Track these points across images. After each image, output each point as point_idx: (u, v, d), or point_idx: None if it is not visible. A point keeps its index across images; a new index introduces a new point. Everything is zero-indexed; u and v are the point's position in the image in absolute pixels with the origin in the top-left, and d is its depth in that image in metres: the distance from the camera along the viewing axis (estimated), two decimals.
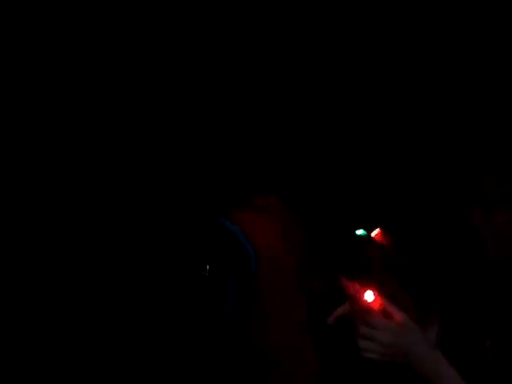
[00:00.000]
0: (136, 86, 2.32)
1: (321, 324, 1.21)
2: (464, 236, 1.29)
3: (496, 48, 2.30)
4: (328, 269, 1.99)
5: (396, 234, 2.04)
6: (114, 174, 2.25)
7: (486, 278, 1.30)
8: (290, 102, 2.36)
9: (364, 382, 1.86)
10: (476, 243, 1.26)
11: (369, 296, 1.07)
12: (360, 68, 2.47)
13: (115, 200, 2.22)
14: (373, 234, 2.00)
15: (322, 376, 1.87)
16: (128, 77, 2.32)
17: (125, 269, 1.94)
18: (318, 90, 2.44)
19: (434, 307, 1.52)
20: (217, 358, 1.72)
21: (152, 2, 2.36)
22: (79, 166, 2.26)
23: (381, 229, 2.01)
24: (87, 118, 2.30)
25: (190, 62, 2.37)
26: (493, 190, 1.22)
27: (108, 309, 1.98)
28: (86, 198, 2.23)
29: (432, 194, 2.33)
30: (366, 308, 1.06)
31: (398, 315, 1.06)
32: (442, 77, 2.43)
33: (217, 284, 1.70)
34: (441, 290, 1.54)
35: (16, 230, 2.16)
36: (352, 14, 2.43)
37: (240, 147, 2.01)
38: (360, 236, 1.98)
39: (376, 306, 1.06)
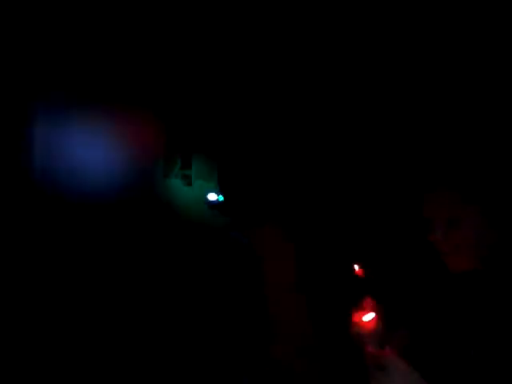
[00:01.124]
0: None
1: None
2: (428, 252, 1.32)
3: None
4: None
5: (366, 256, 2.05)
6: None
7: (458, 290, 1.31)
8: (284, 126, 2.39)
9: None
10: (439, 259, 1.28)
11: (368, 317, 1.20)
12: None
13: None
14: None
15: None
16: (129, 78, 2.34)
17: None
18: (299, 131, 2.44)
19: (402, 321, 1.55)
20: None
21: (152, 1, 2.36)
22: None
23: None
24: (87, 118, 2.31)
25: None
26: (454, 205, 1.24)
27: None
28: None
29: (395, 211, 2.32)
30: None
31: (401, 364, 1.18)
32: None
33: None
34: (413, 305, 1.56)
35: (14, 229, 2.17)
36: (352, 14, 2.43)
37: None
38: None
39: (372, 326, 1.18)
